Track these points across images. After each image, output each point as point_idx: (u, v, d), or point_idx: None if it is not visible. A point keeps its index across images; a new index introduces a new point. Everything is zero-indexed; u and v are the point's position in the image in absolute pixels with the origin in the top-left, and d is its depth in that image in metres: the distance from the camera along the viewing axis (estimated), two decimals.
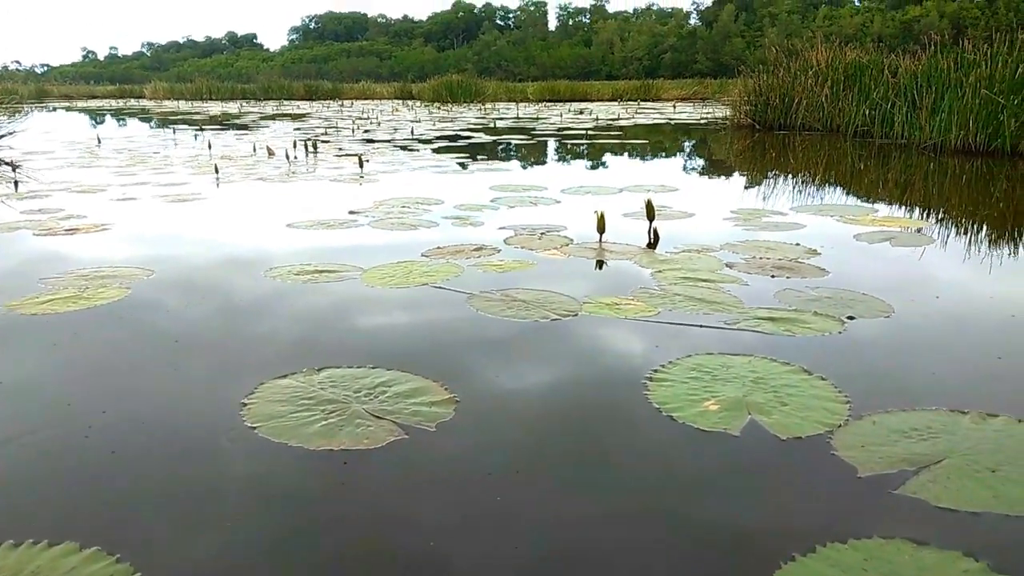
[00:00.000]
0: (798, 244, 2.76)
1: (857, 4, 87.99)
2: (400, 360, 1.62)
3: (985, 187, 4.61)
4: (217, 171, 4.94)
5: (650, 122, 11.32)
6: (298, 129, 10.12)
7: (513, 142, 7.86)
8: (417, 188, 4.40)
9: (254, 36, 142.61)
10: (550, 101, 21.99)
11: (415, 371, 1.56)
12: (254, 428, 1.32)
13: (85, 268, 2.47)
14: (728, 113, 10.27)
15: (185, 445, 1.29)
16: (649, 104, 18.77)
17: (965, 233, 3.19)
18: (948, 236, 3.02)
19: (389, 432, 1.30)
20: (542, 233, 3.03)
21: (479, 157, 6.10)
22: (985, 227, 3.36)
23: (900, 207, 3.81)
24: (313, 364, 1.60)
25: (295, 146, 6.64)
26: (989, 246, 2.94)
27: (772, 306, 2.01)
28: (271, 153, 6.25)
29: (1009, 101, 5.78)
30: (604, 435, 1.32)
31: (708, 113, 13.35)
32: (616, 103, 19.71)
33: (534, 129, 9.90)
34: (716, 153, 6.89)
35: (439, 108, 17.71)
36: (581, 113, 14.21)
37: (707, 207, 3.67)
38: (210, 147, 6.84)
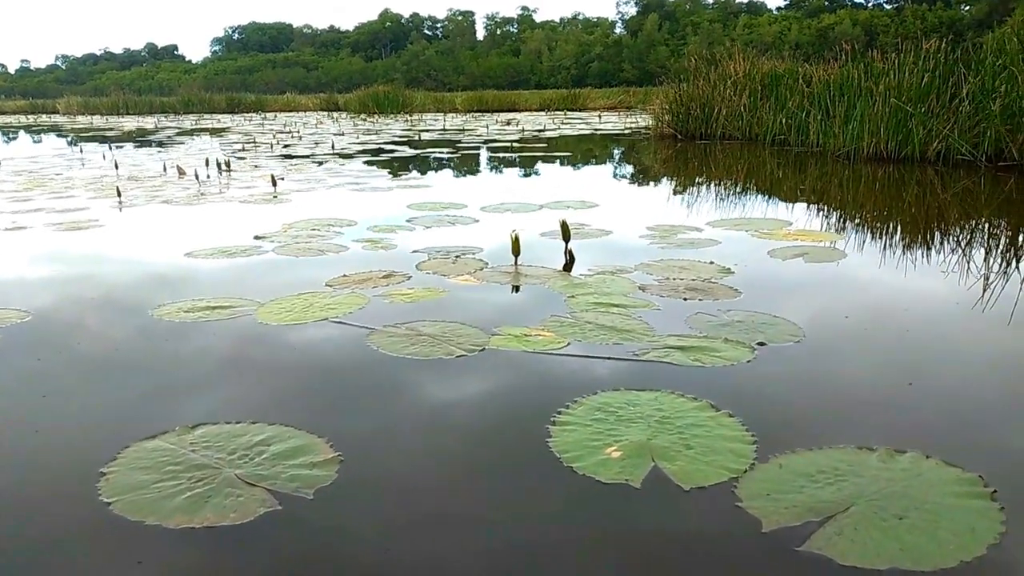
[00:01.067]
0: (712, 263, 2.72)
1: (775, 13, 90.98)
2: (285, 412, 1.50)
3: (896, 193, 4.71)
4: (119, 194, 4.69)
5: (575, 133, 11.36)
6: (215, 145, 9.82)
7: (436, 156, 7.75)
8: (331, 208, 4.25)
9: (175, 47, 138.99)
10: (478, 111, 21.95)
11: (300, 425, 1.44)
12: (109, 504, 1.18)
13: None
14: (651, 123, 10.38)
15: (30, 530, 1.14)
16: (576, 114, 18.90)
17: (878, 244, 3.22)
18: (861, 248, 3.04)
19: (261, 503, 1.18)
20: (456, 256, 2.94)
21: (400, 173, 5.97)
22: (898, 236, 3.41)
23: (814, 218, 3.84)
24: (188, 420, 1.46)
25: (207, 164, 6.38)
26: (902, 257, 2.97)
27: (683, 333, 1.95)
28: (181, 173, 5.99)
29: (916, 109, 5.96)
30: (501, 498, 1.22)
31: (632, 123, 13.49)
32: (543, 113, 19.78)
33: (459, 142, 9.81)
34: (637, 165, 6.92)
35: (365, 120, 17.47)
36: (508, 124, 14.19)
37: (625, 224, 3.63)
38: (117, 167, 6.53)
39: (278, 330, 2.05)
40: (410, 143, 9.64)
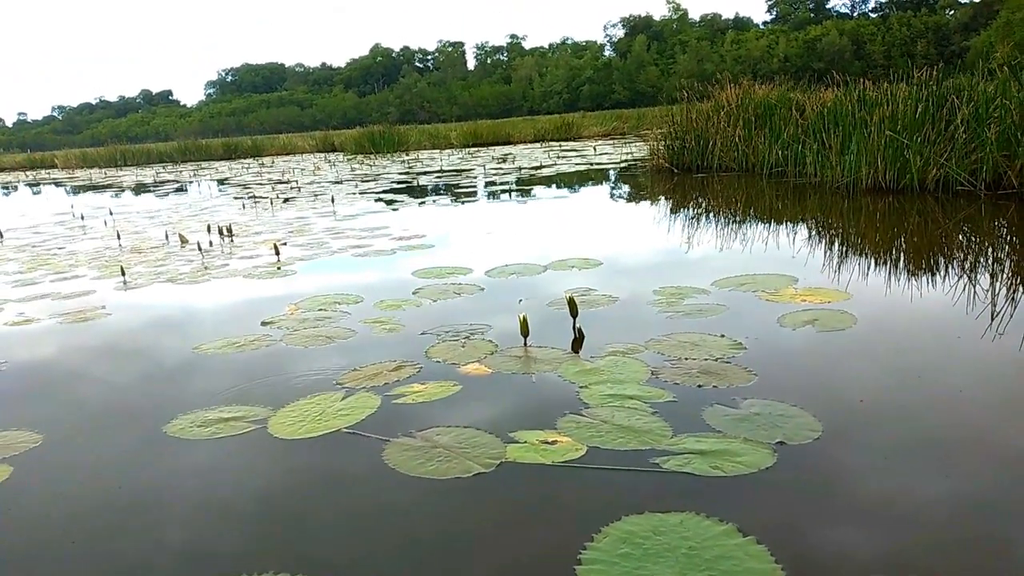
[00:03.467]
0: (723, 336, 2.71)
1: (761, 27, 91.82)
2: (292, 559, 1.48)
3: (899, 230, 4.72)
4: (123, 273, 4.70)
5: (572, 169, 11.40)
6: (214, 203, 9.87)
7: (437, 205, 7.78)
8: (336, 281, 4.25)
9: (169, 92, 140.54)
10: (473, 146, 22.07)
11: (321, 569, 1.42)
12: None
13: None
14: (647, 154, 10.42)
15: None
16: (570, 144, 18.99)
17: (887, 299, 3.21)
18: (870, 307, 3.03)
19: None
20: (466, 338, 2.93)
21: (402, 233, 5.99)
22: (906, 285, 3.39)
23: (821, 269, 3.83)
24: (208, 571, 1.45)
25: (208, 230, 6.41)
26: (913, 312, 2.96)
27: (701, 431, 1.94)
28: (184, 242, 6.01)
29: (913, 140, 5.98)
30: None
31: (628, 154, 13.55)
32: (539, 145, 19.88)
33: (457, 186, 9.86)
34: (636, 207, 6.93)
35: (362, 162, 17.56)
36: (504, 161, 14.26)
37: (631, 286, 3.63)
38: (119, 237, 6.55)
39: (289, 447, 2.04)
40: (409, 190, 9.68)
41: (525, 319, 2.79)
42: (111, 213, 8.83)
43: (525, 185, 9.37)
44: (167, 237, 6.40)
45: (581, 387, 2.31)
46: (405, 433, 2.05)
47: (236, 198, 10.33)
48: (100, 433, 2.25)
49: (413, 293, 3.78)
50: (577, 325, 2.87)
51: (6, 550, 1.64)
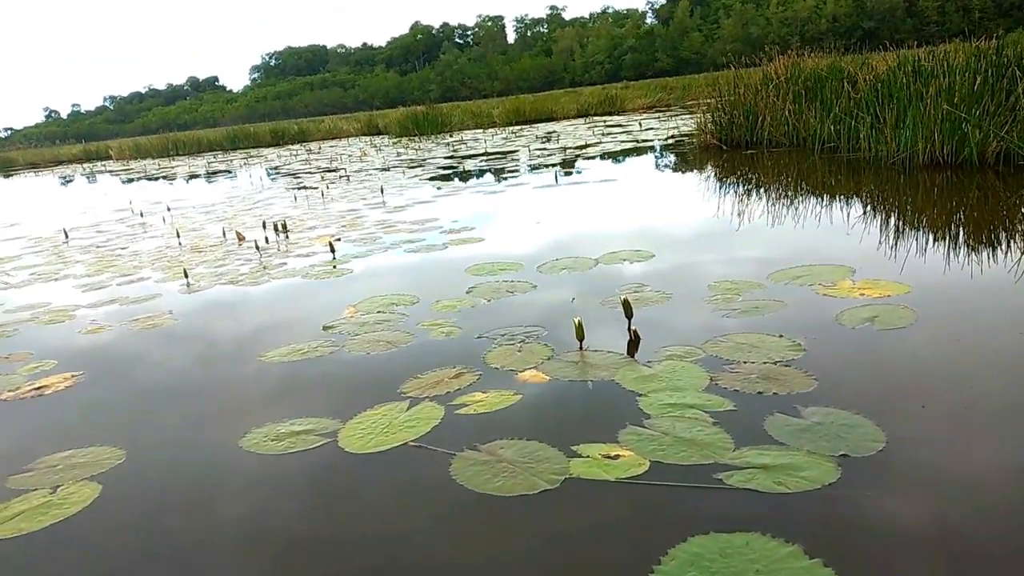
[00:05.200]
0: (781, 336, 2.71)
1: None
2: None
3: (959, 208, 4.61)
4: (186, 275, 4.85)
5: (617, 147, 11.31)
6: (267, 196, 10.07)
7: (485, 192, 7.83)
8: (391, 279, 4.34)
9: (216, 79, 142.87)
10: (516, 124, 22.01)
11: None
12: None
13: (56, 452, 2.38)
14: (694, 127, 10.29)
15: None
16: (614, 119, 18.81)
17: (947, 291, 3.16)
18: (930, 300, 2.99)
19: None
20: (521, 341, 2.97)
21: (451, 225, 6.05)
22: (972, 274, 3.33)
23: (878, 257, 3.78)
24: None
25: (264, 227, 6.56)
26: (972, 305, 2.91)
27: (763, 444, 1.96)
28: (241, 239, 6.17)
29: (971, 113, 5.80)
30: None
31: (674, 128, 13.38)
32: (582, 121, 19.74)
33: (504, 169, 9.88)
34: (685, 190, 6.86)
35: (407, 146, 17.68)
36: (548, 141, 14.21)
37: (684, 281, 3.63)
38: (178, 236, 6.75)
39: (360, 462, 2.11)
40: (456, 176, 9.75)
41: (580, 323, 2.82)
42: (168, 209, 9.07)
43: (570, 167, 9.34)
44: (224, 234, 6.57)
45: (640, 395, 2.34)
46: (470, 447, 2.11)
47: (288, 189, 10.52)
48: (180, 448, 2.36)
49: (467, 292, 3.83)
50: (632, 327, 2.89)
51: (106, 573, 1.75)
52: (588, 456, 1.99)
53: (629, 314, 2.93)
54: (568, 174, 8.64)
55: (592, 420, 2.23)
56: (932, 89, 6.10)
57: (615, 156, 10.25)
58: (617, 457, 1.97)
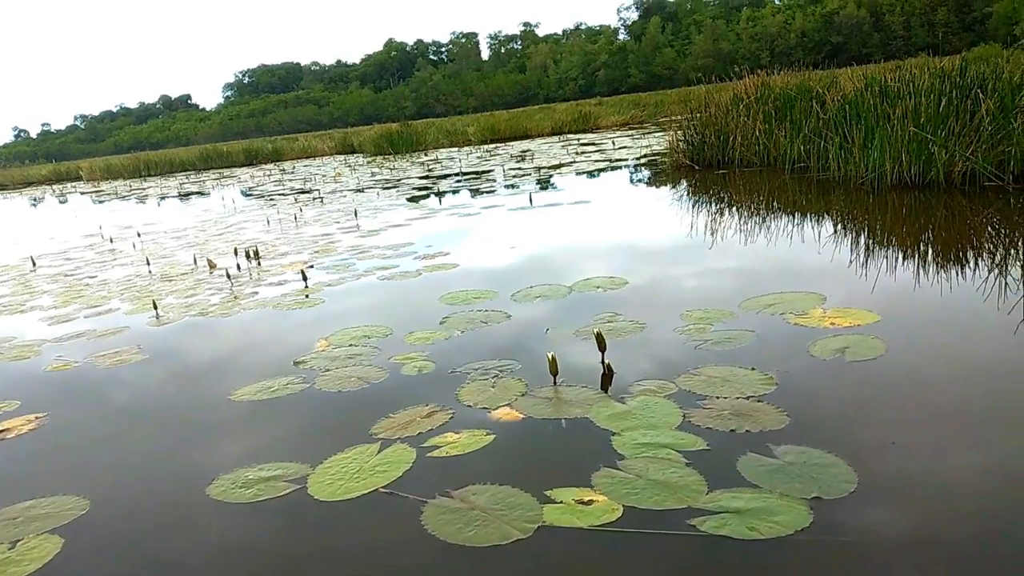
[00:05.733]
0: (753, 369, 2.71)
1: (777, 3, 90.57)
2: None
3: (928, 229, 4.67)
4: (156, 307, 4.78)
5: (591, 167, 11.37)
6: (240, 219, 9.98)
7: (458, 217, 7.81)
8: (363, 308, 4.31)
9: (188, 97, 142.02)
10: (491, 141, 22.07)
11: None
12: None
13: (17, 502, 2.32)
14: (666, 146, 10.36)
15: None
16: (588, 137, 18.91)
17: (917, 319, 3.19)
18: (900, 329, 3.01)
19: None
20: (495, 376, 2.95)
21: (426, 250, 6.03)
22: (942, 298, 3.37)
23: (848, 284, 3.82)
24: None
25: (236, 253, 6.49)
26: (948, 335, 2.94)
27: (736, 486, 1.95)
28: (212, 266, 6.10)
29: (937, 134, 5.90)
30: None
31: (647, 147, 13.48)
32: (557, 139, 19.83)
33: (478, 191, 9.89)
34: (656, 212, 6.89)
35: (381, 165, 17.65)
36: (523, 160, 14.25)
37: (657, 309, 3.63)
38: (148, 264, 6.66)
39: (328, 512, 2.07)
40: (432, 196, 9.74)
41: (554, 358, 2.81)
42: (139, 235, 8.96)
43: (545, 187, 9.37)
44: (195, 262, 6.49)
45: (614, 434, 2.32)
46: (442, 493, 2.08)
47: (261, 209, 10.43)
48: (146, 497, 2.31)
49: (440, 323, 3.81)
50: (606, 361, 2.88)
51: None
52: (562, 502, 1.97)
53: (602, 347, 2.93)
54: (544, 191, 8.66)
55: (566, 462, 2.21)
56: (899, 110, 6.20)
57: (589, 175, 10.30)
58: (591, 503, 1.95)
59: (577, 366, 2.96)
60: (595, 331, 2.96)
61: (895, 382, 2.54)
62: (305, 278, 5.14)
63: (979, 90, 5.93)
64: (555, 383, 2.80)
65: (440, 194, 9.85)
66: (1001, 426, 2.17)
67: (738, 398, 2.49)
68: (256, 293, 5.02)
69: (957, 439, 2.12)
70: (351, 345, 3.60)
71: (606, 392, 2.69)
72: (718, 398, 2.51)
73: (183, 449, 2.64)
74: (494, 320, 3.78)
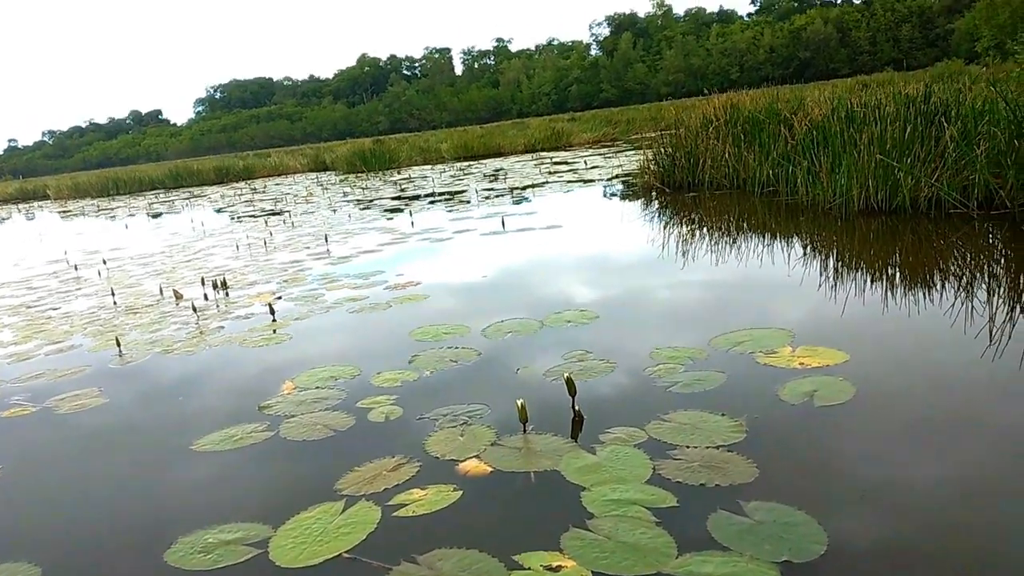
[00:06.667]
0: (723, 415, 2.70)
1: (746, 19, 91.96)
2: None
3: (895, 257, 4.70)
4: (119, 344, 4.67)
5: (563, 188, 11.38)
6: (207, 244, 9.86)
7: (430, 242, 7.77)
8: (331, 345, 4.25)
9: (159, 112, 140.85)
10: (464, 159, 22.07)
11: None
12: None
13: None
14: (639, 166, 10.41)
15: None
16: (561, 155, 18.96)
17: (889, 355, 3.21)
18: (871, 369, 3.02)
19: None
20: (464, 424, 2.91)
21: (396, 279, 5.98)
22: (910, 333, 3.39)
23: (816, 320, 3.83)
24: None
25: (203, 283, 6.38)
26: (918, 373, 2.95)
27: (705, 549, 1.92)
28: (178, 297, 5.99)
29: (903, 161, 5.97)
30: None
31: (618, 166, 13.54)
32: (530, 156, 19.88)
33: (451, 212, 9.86)
34: (627, 238, 6.88)
35: (353, 184, 17.56)
36: (495, 179, 14.26)
37: (627, 346, 3.62)
38: (113, 295, 6.53)
39: None
40: (404, 219, 9.69)
41: (523, 406, 2.77)
42: (104, 262, 8.79)
43: (517, 209, 9.35)
44: (161, 292, 6.38)
45: (583, 490, 2.29)
46: (407, 558, 2.03)
47: (230, 233, 10.30)
48: (103, 565, 2.23)
49: (409, 362, 3.75)
50: (576, 407, 2.85)
51: None
52: (529, 567, 1.93)
53: (572, 392, 2.89)
54: (517, 215, 8.65)
55: (535, 521, 2.17)
56: (865, 137, 6.27)
57: (561, 199, 10.30)
58: (559, 568, 1.91)
59: (548, 410, 2.92)
60: (565, 376, 2.93)
61: (863, 429, 2.53)
62: (272, 312, 5.06)
63: (943, 117, 6.02)
64: (525, 431, 2.76)
65: (412, 217, 9.79)
66: (965, 471, 2.17)
67: (708, 447, 2.47)
68: (222, 328, 4.93)
69: (924, 491, 2.11)
70: (318, 387, 3.53)
71: (576, 440, 2.66)
72: (688, 447, 2.49)
73: (142, 508, 2.56)
74: (464, 359, 3.73)
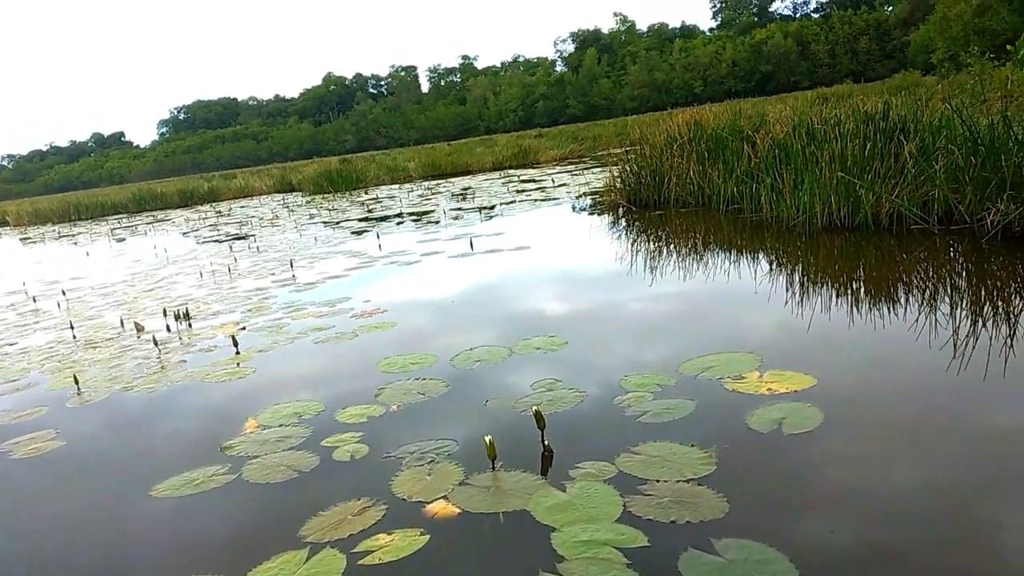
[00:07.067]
0: (693, 445, 2.68)
1: (708, 34, 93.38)
2: None
3: (858, 274, 4.75)
4: (77, 382, 4.54)
5: (531, 207, 11.39)
6: (169, 271, 9.70)
7: (397, 266, 7.71)
8: (296, 378, 4.17)
9: (122, 134, 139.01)
10: (433, 178, 22.04)
11: None
12: None
13: None
14: (605, 183, 10.44)
15: None
16: (528, 173, 19.00)
17: (855, 377, 3.22)
18: (839, 393, 3.02)
19: None
20: (431, 461, 2.85)
21: (363, 306, 5.90)
22: (875, 353, 3.41)
23: (784, 342, 3.84)
24: None
25: (165, 314, 6.25)
26: (884, 397, 2.96)
27: None
28: (140, 330, 5.86)
29: (863, 178, 6.05)
30: None
31: (585, 184, 13.59)
32: (497, 175, 19.90)
33: (419, 234, 9.80)
34: (594, 258, 6.88)
35: (320, 205, 17.43)
36: (464, 199, 14.24)
37: (596, 374, 3.60)
38: (72, 328, 6.37)
39: None
40: (371, 241, 9.61)
41: (492, 442, 2.73)
42: (64, 293, 8.59)
43: (486, 227, 9.32)
44: (122, 324, 6.23)
45: (554, 531, 2.25)
46: None
47: (193, 260, 10.14)
48: None
49: (376, 396, 3.69)
50: (545, 441, 2.82)
51: None
52: None
53: (541, 426, 2.85)
54: (484, 236, 8.62)
55: (503, 567, 2.13)
56: (826, 154, 6.34)
57: (530, 218, 10.29)
58: None
59: (517, 444, 2.88)
60: (534, 409, 2.89)
61: (832, 458, 2.53)
62: (236, 344, 4.96)
63: (901, 133, 6.11)
64: (494, 468, 2.72)
65: (379, 240, 9.71)
66: (936, 498, 2.16)
67: (679, 481, 2.45)
68: (184, 362, 4.82)
69: (895, 521, 2.10)
70: (281, 425, 3.45)
71: (546, 476, 2.62)
72: (658, 482, 2.46)
73: (99, 560, 2.48)
74: (432, 391, 3.68)
